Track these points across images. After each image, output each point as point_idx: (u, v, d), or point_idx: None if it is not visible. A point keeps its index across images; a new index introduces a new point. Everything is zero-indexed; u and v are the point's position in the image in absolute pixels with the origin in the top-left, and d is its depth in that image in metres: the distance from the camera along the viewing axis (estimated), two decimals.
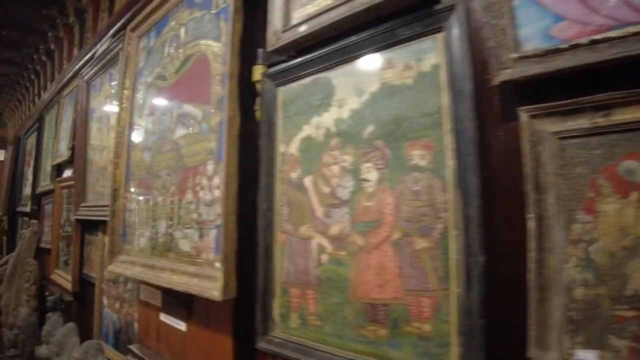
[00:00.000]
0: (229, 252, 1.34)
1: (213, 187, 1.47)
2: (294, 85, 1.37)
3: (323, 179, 1.23)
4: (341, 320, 1.15)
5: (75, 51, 3.84)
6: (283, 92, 1.40)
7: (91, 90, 3.10)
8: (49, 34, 4.44)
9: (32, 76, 5.58)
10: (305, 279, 1.24)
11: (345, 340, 1.13)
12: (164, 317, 1.89)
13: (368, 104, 1.15)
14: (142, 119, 2.08)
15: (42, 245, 4.24)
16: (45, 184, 4.29)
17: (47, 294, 3.80)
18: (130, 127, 2.18)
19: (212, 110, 1.54)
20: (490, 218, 0.93)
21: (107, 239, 2.58)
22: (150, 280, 1.74)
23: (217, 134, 1.50)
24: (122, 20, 2.60)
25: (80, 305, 3.13)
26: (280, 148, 1.36)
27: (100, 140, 2.81)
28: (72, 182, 3.28)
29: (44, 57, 4.84)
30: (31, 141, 5.44)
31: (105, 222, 2.62)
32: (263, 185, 1.38)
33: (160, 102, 1.93)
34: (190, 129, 1.67)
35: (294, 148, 1.32)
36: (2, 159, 8.43)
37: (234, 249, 1.35)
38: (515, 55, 0.89)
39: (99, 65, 2.95)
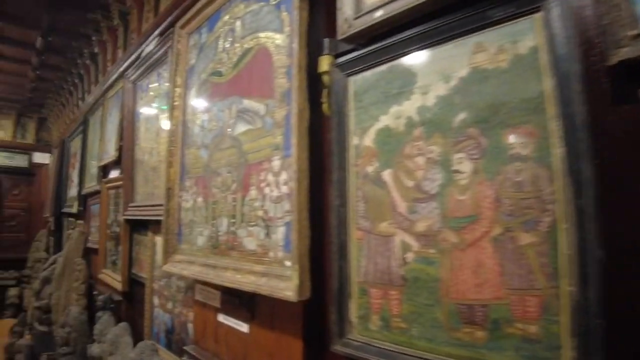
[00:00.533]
0: (303, 250, 1.26)
1: (280, 183, 1.40)
2: (367, 74, 1.28)
3: (406, 172, 1.14)
4: (431, 322, 1.05)
5: (120, 53, 3.84)
6: (355, 82, 1.31)
7: (137, 90, 3.09)
8: (93, 38, 4.47)
9: (76, 80, 5.65)
10: (388, 279, 1.15)
11: (437, 343, 1.03)
12: (223, 318, 1.83)
13: (457, 90, 1.06)
14: (197, 117, 2.02)
15: (89, 245, 4.27)
16: (91, 185, 4.32)
17: (95, 292, 3.82)
18: (184, 125, 2.13)
19: (277, 104, 1.47)
20: (605, 209, 0.83)
21: (159, 238, 2.56)
22: (212, 281, 1.68)
23: (283, 128, 1.42)
24: (170, 18, 2.56)
25: (130, 305, 3.11)
26: (353, 140, 1.28)
27: (149, 141, 2.78)
28: (119, 183, 3.27)
29: (87, 61, 4.88)
30: (76, 144, 5.51)
31: (155, 221, 2.59)
32: (335, 180, 1.30)
33: (217, 98, 1.87)
34: (252, 124, 1.60)
35: (369, 140, 1.23)
36: (48, 162, 8.60)
37: (308, 246, 1.28)
38: (634, 32, 0.79)
39: (145, 65, 2.92)
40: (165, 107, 2.56)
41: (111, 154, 3.55)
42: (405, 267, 1.12)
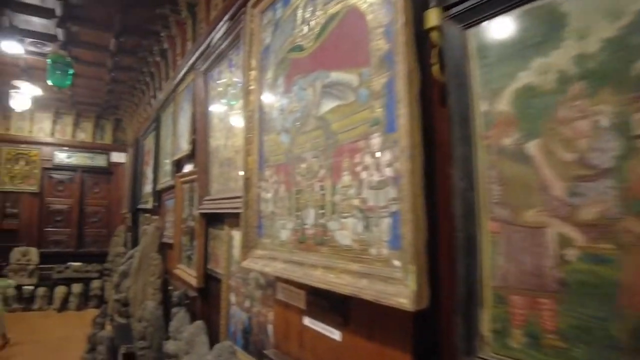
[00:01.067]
0: (419, 247, 1.00)
1: (382, 165, 1.14)
2: (492, 23, 0.99)
3: (562, 143, 0.84)
4: (605, 341, 0.76)
5: (189, 46, 3.72)
6: (475, 36, 1.03)
7: (209, 81, 2.94)
8: (162, 34, 4.41)
9: (147, 79, 5.68)
10: (537, 283, 0.86)
11: None
12: (309, 322, 1.60)
13: (634, 28, 0.75)
14: (276, 99, 1.81)
15: (164, 240, 4.22)
16: (165, 180, 4.27)
17: (170, 287, 3.74)
18: (261, 110, 1.92)
19: (374, 72, 1.21)
20: None
21: (235, 232, 2.39)
22: (298, 280, 1.45)
23: (383, 98, 1.16)
24: (240, 0, 2.37)
25: (205, 302, 2.98)
26: (481, 106, 1.00)
27: (223, 131, 2.62)
28: (193, 177, 3.15)
29: (157, 58, 4.85)
30: (149, 141, 5.54)
31: (231, 214, 2.43)
32: (458, 157, 1.03)
33: (298, 76, 1.64)
34: (342, 99, 1.35)
35: (504, 104, 0.95)
36: (124, 161, 8.85)
37: (425, 242, 1.01)
38: None
39: (215, 54, 2.77)
40: (238, 94, 2.38)
41: (184, 148, 3.44)
42: (564, 267, 0.83)
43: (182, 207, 3.52)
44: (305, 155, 1.53)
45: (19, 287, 7.47)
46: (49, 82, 5.05)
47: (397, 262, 1.07)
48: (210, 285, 2.91)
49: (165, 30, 4.29)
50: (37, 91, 6.64)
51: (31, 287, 7.51)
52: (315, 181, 1.45)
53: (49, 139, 8.42)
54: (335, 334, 1.43)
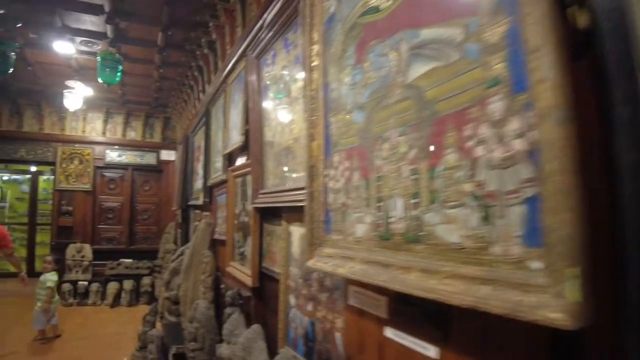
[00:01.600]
0: (579, 242, 0.71)
1: (508, 136, 0.86)
2: None
3: None
4: None
5: (239, 32, 3.52)
6: None
7: (262, 65, 2.72)
8: (210, 24, 4.24)
9: (196, 73, 5.55)
10: None
11: None
12: (392, 334, 1.34)
13: None
14: (344, 73, 1.55)
15: (216, 236, 4.05)
16: (216, 175, 4.11)
17: (222, 286, 3.56)
18: (326, 87, 1.67)
19: (486, 20, 0.93)
20: None
21: (294, 227, 2.16)
22: (384, 284, 1.18)
23: (503, 52, 0.88)
24: None
25: (260, 302, 2.77)
26: None
27: (279, 118, 2.38)
28: (246, 170, 2.95)
29: (206, 50, 4.70)
30: (199, 137, 5.42)
31: (289, 208, 2.20)
32: (623, 121, 0.74)
33: (374, 41, 1.37)
34: (439, 60, 1.07)
35: None
36: (173, 159, 8.84)
37: (586, 236, 0.72)
38: None
39: (269, 36, 2.54)
40: (296, 76, 2.14)
41: (236, 140, 3.25)
42: None
43: (235, 202, 3.32)
44: (388, 133, 1.26)
45: (74, 283, 7.57)
46: (100, 80, 5.00)
47: (536, 264, 0.79)
48: (265, 285, 2.69)
49: (213, 19, 4.12)
50: (89, 91, 6.68)
51: (85, 283, 7.60)
52: (404, 164, 1.17)
53: (101, 138, 8.51)
54: (431, 351, 1.16)
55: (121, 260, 8.10)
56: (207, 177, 4.58)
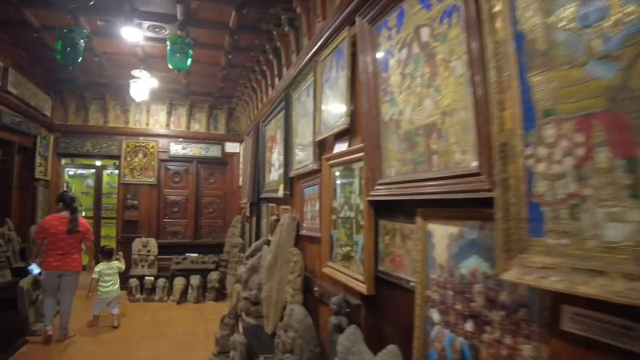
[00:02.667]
0: None
1: None
2: None
3: None
4: None
5: (335, 2, 3.12)
6: None
7: (379, 31, 2.31)
8: None
9: (271, 56, 5.22)
10: None
11: None
12: None
13: None
14: (559, 12, 1.12)
15: (303, 232, 3.71)
16: (300, 165, 3.77)
17: (316, 289, 3.21)
18: (518, 37, 1.25)
19: None
20: None
21: (437, 226, 1.75)
22: None
23: None
24: None
25: (374, 313, 2.38)
26: None
27: (414, 89, 1.97)
28: (353, 157, 2.57)
29: (286, 28, 4.32)
30: (273, 126, 5.13)
31: (429, 202, 1.79)
32: None
33: None
34: None
35: None
36: (238, 151, 8.65)
37: None
38: None
39: None
40: (448, 31, 1.72)
41: (336, 123, 2.86)
42: None
43: (331, 195, 2.95)
44: None
45: (140, 278, 7.50)
46: (170, 66, 4.76)
47: None
48: (383, 293, 2.30)
49: None
50: (154, 82, 6.52)
51: (151, 278, 7.50)
52: None
53: (165, 131, 8.41)
54: None
55: (187, 254, 7.97)
56: (288, 167, 4.25)
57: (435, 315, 1.82)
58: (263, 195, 5.70)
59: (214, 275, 7.54)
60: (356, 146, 2.54)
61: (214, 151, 8.64)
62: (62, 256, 5.29)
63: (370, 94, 2.33)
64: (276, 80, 5.18)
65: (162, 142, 8.37)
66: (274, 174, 5.04)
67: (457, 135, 1.64)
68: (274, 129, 5.15)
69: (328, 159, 3.00)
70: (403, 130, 2.05)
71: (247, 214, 7.26)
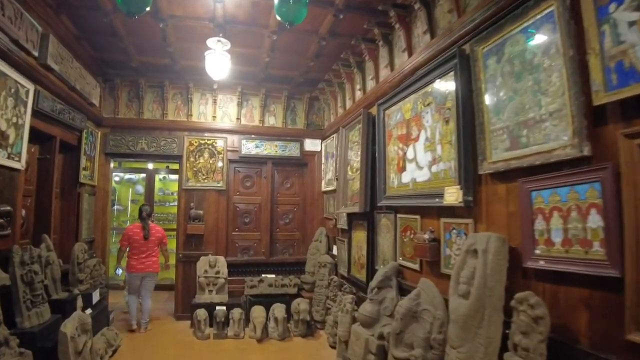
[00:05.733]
0: None
1: None
2: None
3: None
4: None
5: None
6: None
7: None
8: None
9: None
10: None
11: None
12: None
13: None
14: None
15: (530, 264, 2.34)
16: (522, 154, 2.40)
17: None
18: None
19: None
20: None
21: None
22: None
23: None
24: None
25: None
26: None
27: None
28: None
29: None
30: (412, 104, 3.80)
31: None
32: None
33: None
34: None
35: None
36: (319, 149, 7.40)
37: None
38: None
39: None
40: None
41: None
42: None
43: None
44: None
45: (209, 307, 6.18)
46: (279, 17, 3.44)
47: None
48: None
49: None
50: (227, 60, 5.23)
51: (223, 308, 6.14)
52: None
53: (235, 126, 7.15)
54: None
55: (264, 275, 6.70)
56: (468, 161, 2.91)
57: None
58: (384, 203, 4.37)
59: (302, 305, 6.04)
60: None
61: (291, 150, 7.35)
62: (144, 259, 6.21)
63: None
64: (419, 40, 3.85)
65: (232, 139, 7.12)
66: (413, 173, 3.72)
67: None
68: (412, 109, 3.82)
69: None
70: None
71: (340, 225, 5.97)
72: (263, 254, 7.24)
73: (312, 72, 6.38)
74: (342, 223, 5.93)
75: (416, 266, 3.71)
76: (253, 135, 7.20)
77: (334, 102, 6.81)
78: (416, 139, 3.74)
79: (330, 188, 6.73)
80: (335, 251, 6.45)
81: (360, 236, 5.23)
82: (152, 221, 6.64)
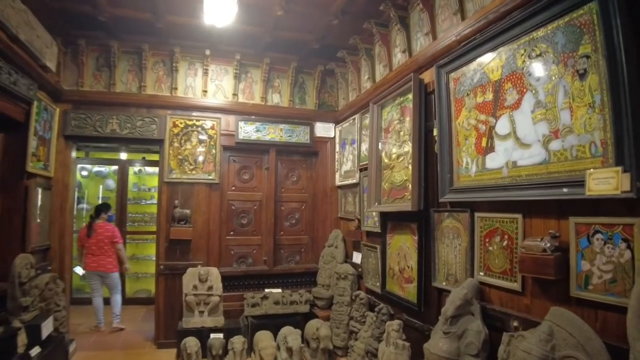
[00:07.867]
0: None
1: None
2: None
3: None
4: None
5: None
6: None
7: None
8: None
9: None
10: None
11: None
12: None
13: None
14: None
15: None
16: None
17: None
18: None
19: None
20: None
21: None
22: None
23: None
24: None
25: None
26: None
27: None
28: None
29: None
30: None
31: None
32: None
33: None
34: None
35: None
36: (332, 135, 6.41)
37: None
38: None
39: None
40: None
41: None
42: None
43: None
44: None
45: (201, 333, 5.10)
46: None
47: None
48: None
49: None
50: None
51: (220, 336, 5.07)
52: None
53: (231, 104, 6.08)
54: None
55: (268, 290, 5.68)
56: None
57: None
58: (449, 198, 3.41)
59: (322, 330, 4.85)
60: None
61: (299, 135, 6.32)
62: (96, 258, 6.60)
63: None
64: None
65: (226, 120, 6.05)
66: (510, 154, 2.79)
67: None
68: (505, 65, 2.86)
69: None
70: None
71: (367, 227, 5.02)
72: (265, 263, 6.24)
73: (331, 35, 5.38)
74: (372, 225, 4.96)
75: (514, 285, 2.77)
76: (253, 117, 6.17)
77: (355, 76, 5.82)
78: (514, 106, 2.78)
79: (349, 181, 5.78)
80: (357, 259, 5.47)
81: (402, 242, 4.25)
82: (106, 219, 6.97)
